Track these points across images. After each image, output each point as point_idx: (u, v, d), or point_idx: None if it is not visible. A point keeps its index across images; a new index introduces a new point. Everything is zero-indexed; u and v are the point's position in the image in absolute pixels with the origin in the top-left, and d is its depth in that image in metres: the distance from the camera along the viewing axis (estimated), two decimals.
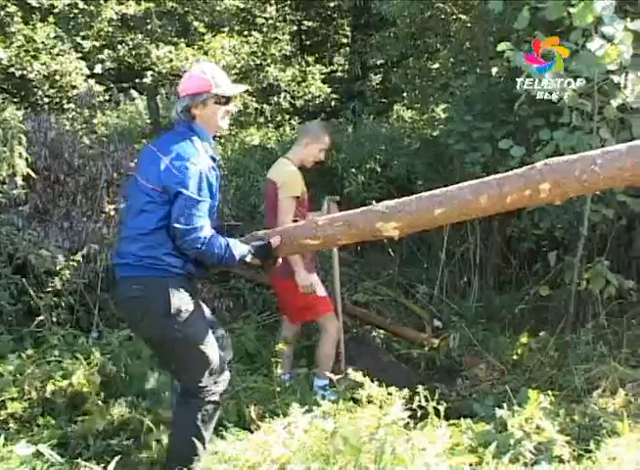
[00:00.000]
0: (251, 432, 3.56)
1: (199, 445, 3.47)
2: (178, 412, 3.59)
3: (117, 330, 5.06)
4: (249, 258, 3.60)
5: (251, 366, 5.46)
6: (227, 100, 3.63)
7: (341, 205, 5.34)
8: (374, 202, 3.68)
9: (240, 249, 3.54)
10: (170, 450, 3.60)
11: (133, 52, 11.14)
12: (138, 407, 4.15)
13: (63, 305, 5.23)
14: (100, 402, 4.11)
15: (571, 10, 4.82)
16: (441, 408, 3.40)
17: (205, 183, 3.43)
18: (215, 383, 3.55)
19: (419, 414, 3.38)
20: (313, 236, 3.77)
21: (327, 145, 5.27)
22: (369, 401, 3.27)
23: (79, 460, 3.37)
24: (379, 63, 14.10)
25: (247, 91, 12.31)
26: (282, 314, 5.59)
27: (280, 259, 3.87)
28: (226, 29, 12.48)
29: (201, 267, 3.59)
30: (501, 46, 4.98)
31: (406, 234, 3.72)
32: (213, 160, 3.60)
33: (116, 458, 3.18)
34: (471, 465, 3.23)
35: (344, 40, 15.14)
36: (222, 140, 11.31)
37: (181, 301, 3.44)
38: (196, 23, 12.56)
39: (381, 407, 3.21)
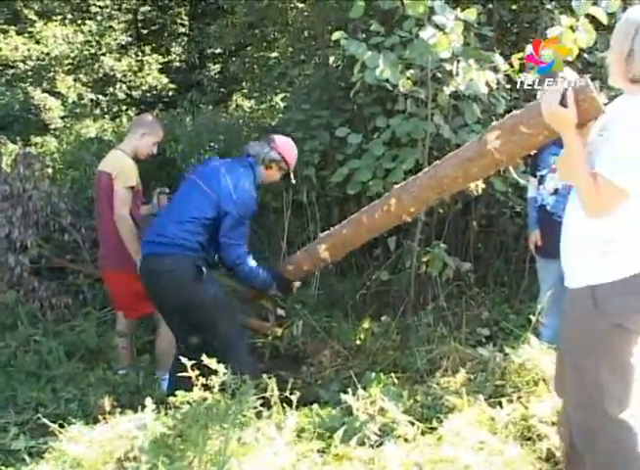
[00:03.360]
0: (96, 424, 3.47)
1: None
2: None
3: None
4: (272, 291, 4.76)
5: (92, 363, 5.32)
6: (285, 177, 4.74)
7: (170, 196, 5.24)
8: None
9: (266, 279, 4.56)
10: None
11: None
12: None
13: None
14: None
15: (405, 0, 4.92)
16: (294, 397, 3.41)
17: (250, 212, 4.37)
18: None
19: (270, 403, 3.39)
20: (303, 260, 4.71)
21: (160, 138, 5.20)
22: (221, 390, 3.25)
23: None
24: (217, 52, 14.03)
25: (84, 83, 12.05)
26: (118, 309, 5.37)
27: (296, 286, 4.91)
28: (59, 18, 12.07)
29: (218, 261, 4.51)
30: (336, 35, 4.99)
31: (336, 256, 4.63)
32: None
33: None
34: (319, 451, 3.24)
35: (182, 29, 14.93)
36: (57, 132, 10.92)
37: (206, 269, 4.25)
38: (26, 11, 12.09)
39: (233, 395, 3.22)
